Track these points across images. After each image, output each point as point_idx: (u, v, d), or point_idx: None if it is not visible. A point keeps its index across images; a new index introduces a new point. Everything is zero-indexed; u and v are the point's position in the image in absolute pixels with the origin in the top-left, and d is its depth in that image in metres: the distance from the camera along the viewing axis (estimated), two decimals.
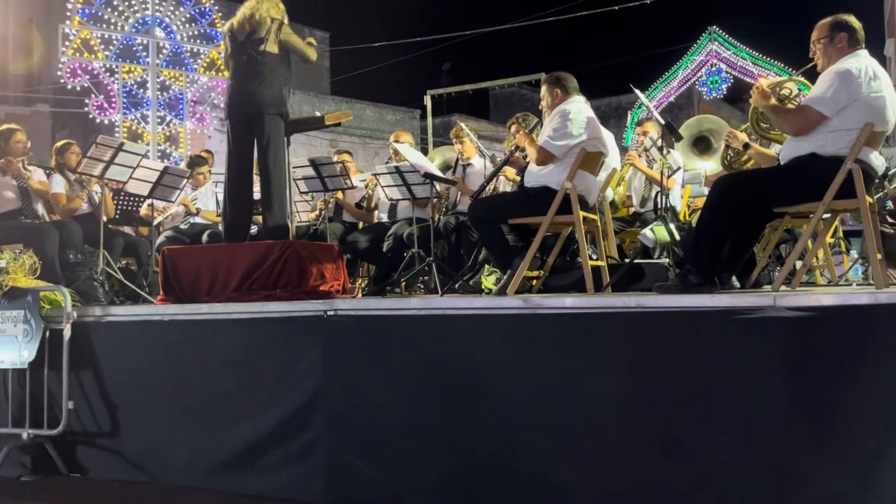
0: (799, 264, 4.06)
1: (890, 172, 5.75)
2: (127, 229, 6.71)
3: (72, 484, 4.64)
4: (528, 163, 4.71)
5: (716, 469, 3.19)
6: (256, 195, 5.24)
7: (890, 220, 4.84)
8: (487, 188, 5.33)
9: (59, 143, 6.42)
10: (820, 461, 3.00)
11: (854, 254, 6.45)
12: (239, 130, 5.05)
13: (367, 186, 6.59)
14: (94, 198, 6.09)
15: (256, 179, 5.23)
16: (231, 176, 5.08)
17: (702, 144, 6.07)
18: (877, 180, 4.23)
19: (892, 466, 2.88)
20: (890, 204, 5.21)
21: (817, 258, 5.28)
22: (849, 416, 2.97)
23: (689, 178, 6.19)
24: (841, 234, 6.00)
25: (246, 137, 5.05)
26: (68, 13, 11.61)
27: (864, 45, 3.70)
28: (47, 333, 4.70)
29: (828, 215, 3.94)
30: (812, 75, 3.85)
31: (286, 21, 5.09)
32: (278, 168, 5.01)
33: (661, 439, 3.30)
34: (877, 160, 3.67)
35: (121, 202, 6.31)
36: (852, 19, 3.71)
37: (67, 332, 4.62)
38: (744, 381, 3.17)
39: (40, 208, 6.03)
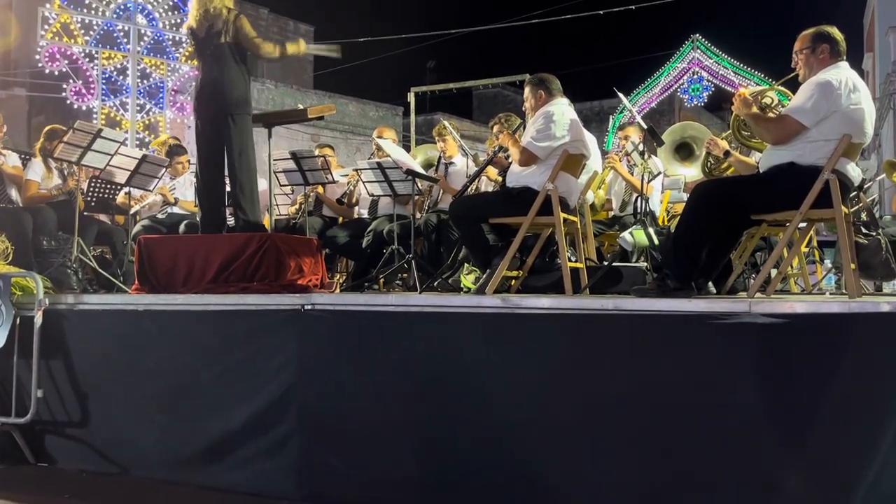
0: (774, 272, 4.11)
1: (865, 184, 5.83)
2: (102, 217, 6.62)
3: (39, 473, 4.58)
4: (510, 163, 4.72)
5: (690, 471, 3.22)
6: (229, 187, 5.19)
7: (864, 230, 4.90)
8: (470, 188, 5.34)
9: (51, 127, 6.19)
10: (792, 465, 3.04)
11: (828, 263, 6.53)
12: (206, 128, 5.03)
13: (349, 182, 6.57)
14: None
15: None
16: (201, 169, 5.05)
17: (684, 151, 6.11)
18: (853, 191, 4.29)
19: (862, 472, 2.92)
20: (864, 215, 5.27)
21: (792, 267, 5.35)
22: (820, 421, 3.01)
23: (669, 184, 6.23)
24: (815, 244, 6.08)
25: (213, 134, 5.02)
26: None
27: (845, 57, 3.74)
28: (18, 320, 4.62)
29: (804, 224, 3.98)
30: (793, 85, 3.89)
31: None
32: (246, 169, 4.96)
33: (636, 441, 3.32)
34: (853, 171, 3.72)
35: (97, 189, 6.21)
36: (835, 31, 3.75)
37: (39, 320, 4.55)
38: (718, 385, 3.20)
39: (14, 193, 5.92)
